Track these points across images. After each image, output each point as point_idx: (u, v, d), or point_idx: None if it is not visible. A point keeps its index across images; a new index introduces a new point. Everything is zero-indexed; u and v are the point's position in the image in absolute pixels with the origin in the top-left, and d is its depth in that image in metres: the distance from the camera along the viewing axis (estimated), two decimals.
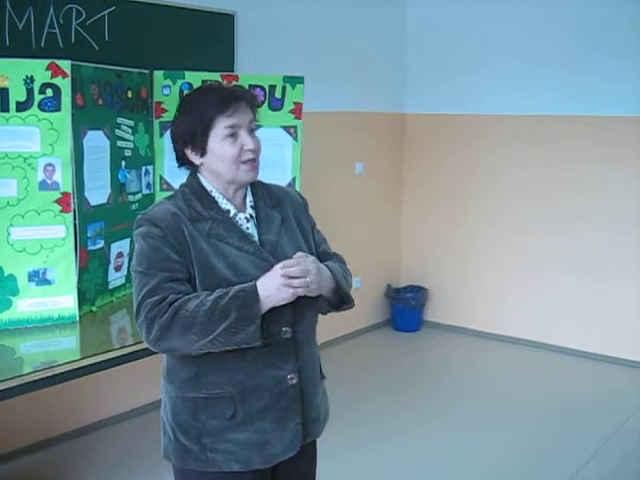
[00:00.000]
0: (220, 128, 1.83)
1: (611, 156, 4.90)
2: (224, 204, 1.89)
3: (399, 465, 3.60)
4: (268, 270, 1.79)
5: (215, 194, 1.89)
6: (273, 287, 1.75)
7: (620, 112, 4.80)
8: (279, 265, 1.77)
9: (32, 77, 2.72)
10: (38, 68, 2.73)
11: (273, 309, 1.78)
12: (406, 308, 5.67)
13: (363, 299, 5.58)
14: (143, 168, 3.40)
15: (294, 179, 3.62)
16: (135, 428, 3.90)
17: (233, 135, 1.84)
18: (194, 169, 1.91)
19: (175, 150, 1.92)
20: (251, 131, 1.87)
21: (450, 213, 5.64)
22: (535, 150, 5.18)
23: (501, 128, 5.32)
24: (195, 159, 1.88)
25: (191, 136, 1.85)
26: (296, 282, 1.75)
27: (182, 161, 1.92)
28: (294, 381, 1.87)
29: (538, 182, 5.19)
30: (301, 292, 1.77)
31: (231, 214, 1.88)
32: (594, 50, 4.86)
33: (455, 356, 5.24)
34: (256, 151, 1.87)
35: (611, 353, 4.98)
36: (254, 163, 1.88)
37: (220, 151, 1.84)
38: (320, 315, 2.03)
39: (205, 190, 1.89)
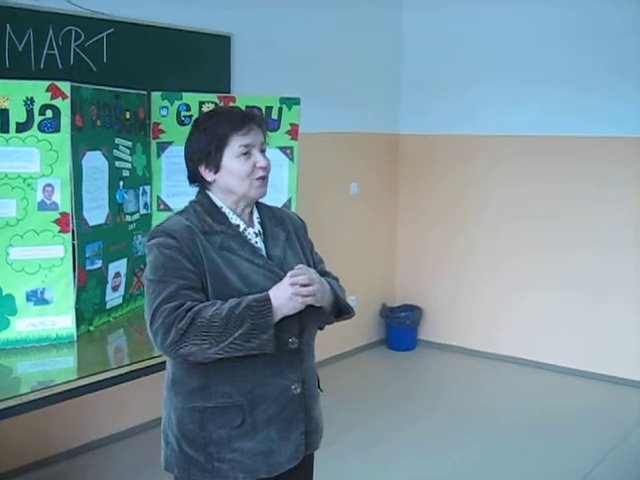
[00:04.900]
0: (235, 146, 1.92)
1: (608, 176, 4.93)
2: (234, 219, 1.97)
3: None
4: (277, 282, 1.87)
5: (225, 210, 1.97)
6: (284, 297, 1.83)
7: (617, 132, 4.84)
8: (288, 274, 1.85)
9: (32, 98, 2.75)
10: (38, 89, 2.76)
11: (282, 319, 1.85)
12: (401, 327, 5.69)
13: (358, 318, 5.49)
14: (140, 188, 3.42)
15: (290, 200, 3.64)
16: (135, 446, 3.89)
17: (246, 153, 1.93)
18: (204, 187, 1.99)
19: (188, 168, 2.00)
20: (262, 151, 1.98)
21: (444, 232, 5.67)
22: (529, 170, 5.22)
23: (495, 148, 5.37)
24: (208, 176, 1.96)
25: (206, 153, 1.93)
26: (305, 290, 1.83)
27: (194, 178, 2.00)
28: (297, 391, 1.94)
29: (532, 202, 5.23)
30: (309, 300, 1.85)
31: (241, 229, 1.97)
32: (590, 69, 4.90)
33: (450, 375, 5.25)
34: (267, 169, 1.97)
35: (607, 372, 4.99)
36: (264, 180, 1.97)
37: (234, 167, 1.93)
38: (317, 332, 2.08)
39: (215, 206, 1.97)
